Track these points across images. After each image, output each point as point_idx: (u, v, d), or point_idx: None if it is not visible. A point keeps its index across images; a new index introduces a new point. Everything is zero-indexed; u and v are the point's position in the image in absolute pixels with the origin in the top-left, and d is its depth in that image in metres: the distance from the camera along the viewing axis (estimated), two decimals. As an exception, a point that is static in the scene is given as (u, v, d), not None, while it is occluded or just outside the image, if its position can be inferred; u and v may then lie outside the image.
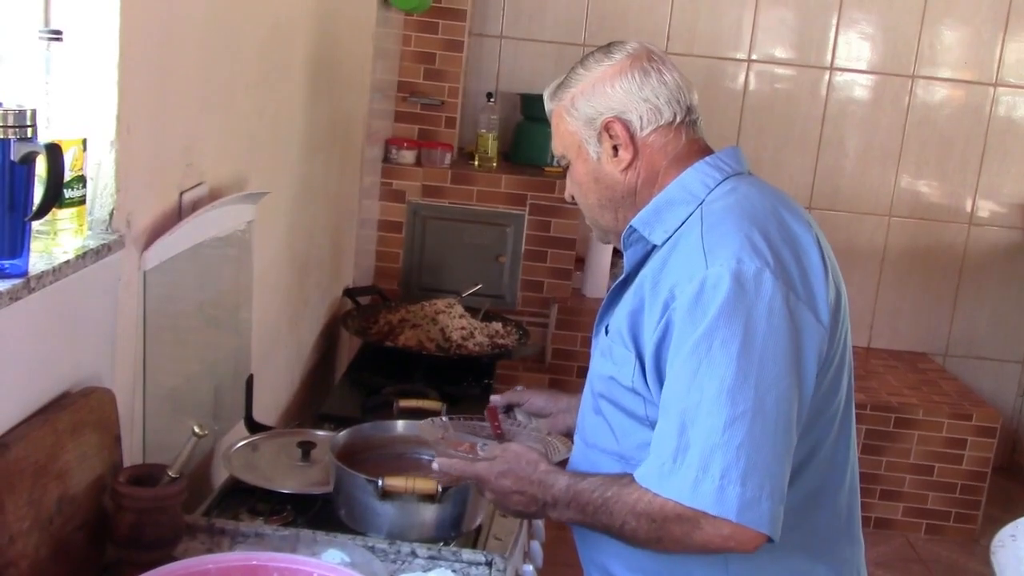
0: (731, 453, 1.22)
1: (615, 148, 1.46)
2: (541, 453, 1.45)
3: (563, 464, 1.53)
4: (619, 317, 1.43)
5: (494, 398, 1.80)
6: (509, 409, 1.80)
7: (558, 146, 1.53)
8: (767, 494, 1.22)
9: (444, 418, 1.79)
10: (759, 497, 1.22)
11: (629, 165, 1.46)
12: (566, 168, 1.54)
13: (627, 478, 1.32)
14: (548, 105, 1.54)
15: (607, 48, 1.50)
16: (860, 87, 4.27)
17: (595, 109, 1.46)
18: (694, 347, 1.26)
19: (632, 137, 1.45)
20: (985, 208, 4.36)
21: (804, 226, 1.39)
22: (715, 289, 1.27)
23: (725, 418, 1.23)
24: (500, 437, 1.69)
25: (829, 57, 4.24)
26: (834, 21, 4.21)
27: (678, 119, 1.46)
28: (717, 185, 1.43)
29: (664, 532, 1.27)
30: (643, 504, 1.28)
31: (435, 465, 1.51)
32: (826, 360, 1.34)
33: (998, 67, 4.24)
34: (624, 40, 1.51)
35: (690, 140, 1.47)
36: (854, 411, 1.48)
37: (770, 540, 1.24)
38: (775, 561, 1.36)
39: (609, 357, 1.45)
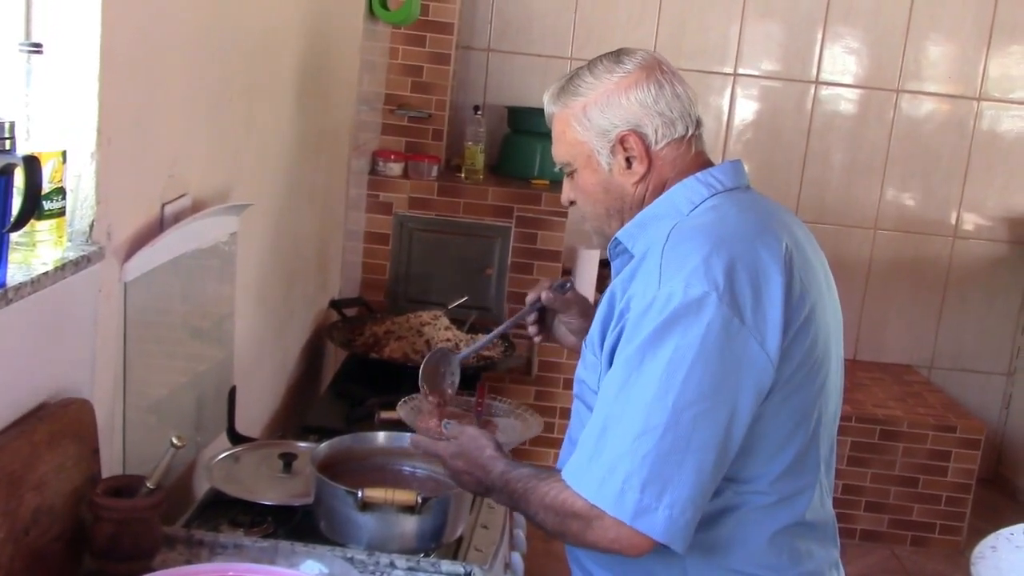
0: (636, 461, 1.27)
1: (628, 160, 1.46)
2: (491, 438, 1.51)
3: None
4: (594, 324, 1.46)
5: (545, 295, 1.74)
6: (544, 311, 1.79)
7: (563, 153, 1.52)
8: (665, 504, 1.27)
9: (449, 353, 1.81)
10: (655, 506, 1.27)
11: (642, 178, 1.47)
12: (570, 175, 1.54)
13: (549, 472, 1.39)
14: (550, 109, 1.53)
15: (616, 56, 1.49)
16: (845, 101, 4.30)
17: (610, 121, 1.45)
18: (627, 359, 1.32)
19: (647, 150, 1.46)
20: (970, 221, 4.39)
21: (774, 253, 1.36)
22: (660, 308, 1.30)
23: (638, 429, 1.28)
24: (479, 414, 1.71)
25: (815, 71, 4.26)
26: (819, 35, 4.24)
27: (689, 132, 1.47)
28: (703, 201, 1.44)
29: (564, 526, 1.33)
30: (550, 498, 1.34)
31: (409, 440, 1.63)
32: (773, 387, 1.34)
33: (982, 81, 4.27)
34: (632, 48, 1.51)
35: (696, 153, 1.49)
36: (835, 429, 1.48)
37: (667, 548, 1.28)
38: (734, 573, 1.39)
39: (582, 362, 1.50)
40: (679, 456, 1.27)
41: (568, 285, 1.79)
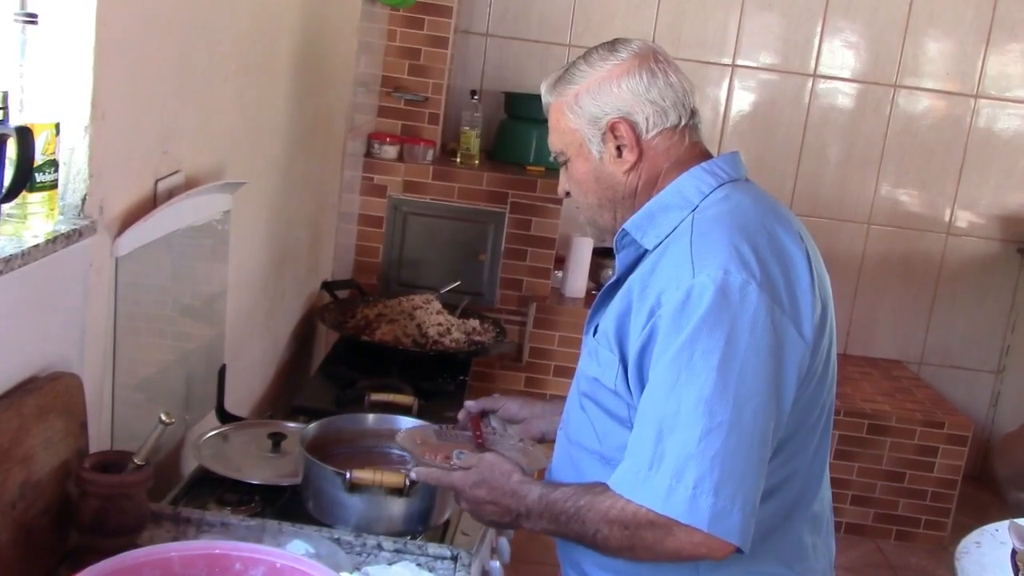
0: (705, 463, 1.23)
1: (619, 149, 1.44)
2: (515, 463, 1.45)
3: (542, 473, 1.53)
4: (607, 319, 1.43)
5: (468, 404, 1.79)
6: (483, 415, 1.79)
7: (557, 142, 1.51)
8: (739, 506, 1.23)
9: (430, 426, 1.77)
10: (731, 508, 1.23)
11: (633, 167, 1.45)
12: (564, 164, 1.52)
13: (600, 487, 1.33)
14: (547, 98, 1.51)
15: (611, 45, 1.47)
16: (843, 95, 4.30)
17: (600, 109, 1.44)
18: (675, 355, 1.27)
19: (638, 139, 1.44)
20: (963, 218, 4.39)
21: (794, 239, 1.37)
22: (700, 298, 1.27)
23: (702, 429, 1.23)
24: (480, 446, 1.68)
25: (813, 64, 4.26)
26: (818, 29, 4.23)
27: (682, 122, 1.45)
28: (712, 191, 1.42)
29: (637, 539, 1.28)
30: (616, 511, 1.29)
31: (413, 474, 1.54)
32: (807, 374, 1.33)
33: (979, 79, 4.27)
34: (629, 38, 1.49)
35: (692, 143, 1.47)
36: (831, 424, 1.48)
37: (739, 551, 1.25)
38: (746, 567, 1.37)
39: (595, 358, 1.45)
40: (745, 453, 1.24)
41: (495, 397, 1.82)
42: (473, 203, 3.66)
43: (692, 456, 1.23)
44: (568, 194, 1.55)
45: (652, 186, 1.46)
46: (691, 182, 1.43)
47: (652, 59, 1.45)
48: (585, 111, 1.45)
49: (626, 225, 1.46)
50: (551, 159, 1.56)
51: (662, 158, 1.45)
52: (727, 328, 1.25)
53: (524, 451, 1.68)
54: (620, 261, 1.49)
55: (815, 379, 1.36)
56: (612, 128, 1.44)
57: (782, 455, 1.35)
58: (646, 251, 1.44)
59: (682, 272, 1.31)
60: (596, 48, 1.48)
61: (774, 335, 1.27)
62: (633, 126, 1.43)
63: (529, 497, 1.39)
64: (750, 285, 1.27)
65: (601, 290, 1.53)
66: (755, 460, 1.25)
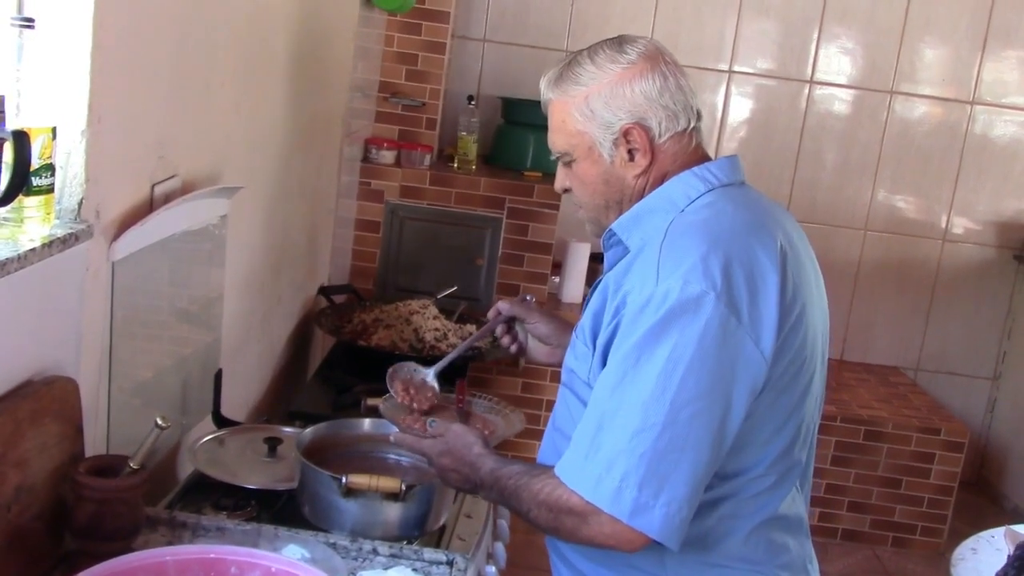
0: (634, 460, 1.28)
1: (631, 153, 1.44)
2: (479, 435, 1.51)
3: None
4: (586, 315, 1.46)
5: (501, 305, 1.80)
6: (512, 321, 1.82)
7: (561, 143, 1.49)
8: (662, 502, 1.27)
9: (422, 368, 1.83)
10: (653, 504, 1.27)
11: (644, 171, 1.45)
12: (567, 164, 1.51)
13: (543, 469, 1.39)
14: (548, 95, 1.49)
15: (618, 45, 1.45)
16: (839, 101, 4.31)
17: (614, 114, 1.42)
18: (625, 356, 1.31)
19: (651, 143, 1.43)
20: (959, 225, 4.40)
21: (770, 252, 1.36)
22: (657, 306, 1.30)
23: (635, 428, 1.28)
24: (461, 410, 1.74)
25: (809, 70, 4.27)
26: (815, 35, 4.24)
27: (691, 124, 1.45)
28: (699, 196, 1.42)
29: (559, 523, 1.34)
30: (544, 495, 1.35)
31: (392, 438, 1.63)
32: (764, 387, 1.34)
33: (975, 85, 4.28)
34: (633, 36, 1.48)
35: (696, 146, 1.47)
36: (815, 432, 1.49)
37: (660, 545, 1.29)
38: (710, 563, 1.40)
39: (572, 351, 1.49)
40: (676, 455, 1.28)
41: (528, 298, 1.85)
42: (470, 208, 3.66)
43: (623, 451, 1.28)
44: (567, 190, 1.54)
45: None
46: (679, 187, 1.44)
47: (662, 61, 1.45)
48: (597, 115, 1.43)
49: (613, 226, 1.48)
50: (553, 158, 1.54)
51: (670, 161, 1.45)
52: (676, 335, 1.28)
53: (504, 415, 1.77)
54: (608, 260, 1.51)
55: (776, 389, 1.36)
56: (626, 133, 1.43)
57: (734, 463, 1.37)
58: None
59: (647, 277, 1.33)
60: (601, 47, 1.46)
61: (725, 346, 1.29)
62: (647, 131, 1.43)
63: (483, 470, 1.45)
64: (707, 296, 1.29)
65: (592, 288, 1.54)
66: (687, 462, 1.28)
